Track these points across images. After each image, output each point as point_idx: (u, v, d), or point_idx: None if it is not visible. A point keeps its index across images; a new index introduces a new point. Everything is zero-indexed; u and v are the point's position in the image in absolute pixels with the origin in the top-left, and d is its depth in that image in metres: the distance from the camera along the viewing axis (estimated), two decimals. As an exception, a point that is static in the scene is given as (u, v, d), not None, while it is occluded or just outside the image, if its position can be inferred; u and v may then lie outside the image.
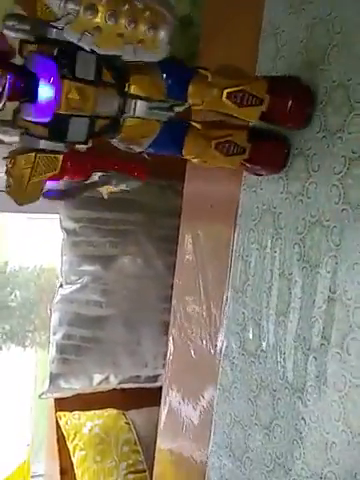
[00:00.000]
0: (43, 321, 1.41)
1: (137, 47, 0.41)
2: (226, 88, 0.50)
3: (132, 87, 0.45)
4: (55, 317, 1.09)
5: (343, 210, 0.50)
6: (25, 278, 1.52)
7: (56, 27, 0.39)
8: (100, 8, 0.39)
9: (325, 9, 0.53)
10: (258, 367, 0.61)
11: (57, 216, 1.08)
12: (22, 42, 0.41)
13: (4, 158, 0.43)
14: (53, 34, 0.40)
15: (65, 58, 0.41)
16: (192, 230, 0.79)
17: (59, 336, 1.09)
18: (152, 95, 0.45)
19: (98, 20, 0.39)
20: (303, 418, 0.53)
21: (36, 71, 0.40)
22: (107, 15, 0.39)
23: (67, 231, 1.07)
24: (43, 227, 1.38)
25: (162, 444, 0.84)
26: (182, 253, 0.81)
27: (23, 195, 0.43)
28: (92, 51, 0.41)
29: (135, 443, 1.13)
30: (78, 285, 1.08)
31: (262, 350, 0.60)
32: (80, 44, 0.39)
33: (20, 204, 0.43)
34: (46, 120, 0.41)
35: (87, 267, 1.07)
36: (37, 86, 0.40)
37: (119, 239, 1.07)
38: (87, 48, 0.40)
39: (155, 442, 0.86)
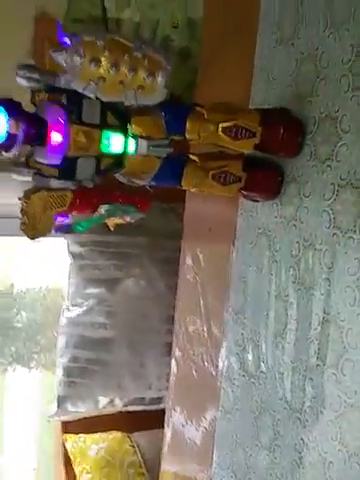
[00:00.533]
0: (49, 342, 1.41)
1: (137, 92, 0.45)
2: (221, 123, 0.53)
3: (134, 127, 0.48)
4: (61, 340, 1.11)
5: (334, 234, 0.51)
6: (31, 299, 1.54)
7: (64, 77, 0.43)
8: (103, 60, 0.43)
9: (313, 45, 0.56)
10: (258, 388, 0.62)
11: (61, 238, 1.11)
12: (34, 91, 0.46)
13: (19, 198, 0.47)
14: (61, 83, 0.44)
15: (72, 105, 0.44)
16: (192, 252, 0.80)
17: (65, 359, 1.10)
18: (153, 134, 0.49)
19: (101, 70, 0.43)
20: (302, 438, 0.54)
21: (47, 118, 0.44)
22: (109, 65, 0.43)
23: (73, 255, 1.10)
24: (49, 248, 1.40)
25: (166, 466, 0.84)
26: (183, 274, 0.83)
27: (36, 230, 0.46)
28: (97, 98, 0.45)
29: (140, 466, 1.13)
30: (84, 308, 1.10)
31: (261, 371, 0.61)
32: (85, 93, 0.43)
33: (32, 238, 0.47)
34: (57, 162, 0.45)
35: (92, 290, 1.10)
36: (48, 131, 0.44)
37: (123, 262, 1.10)
38: (92, 96, 0.44)
39: (160, 464, 0.86)
